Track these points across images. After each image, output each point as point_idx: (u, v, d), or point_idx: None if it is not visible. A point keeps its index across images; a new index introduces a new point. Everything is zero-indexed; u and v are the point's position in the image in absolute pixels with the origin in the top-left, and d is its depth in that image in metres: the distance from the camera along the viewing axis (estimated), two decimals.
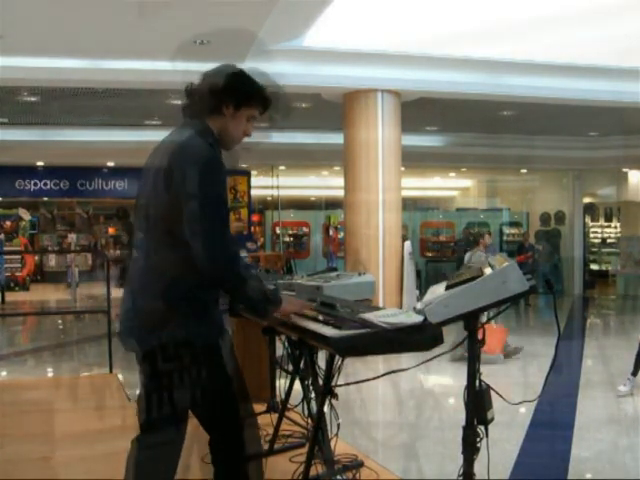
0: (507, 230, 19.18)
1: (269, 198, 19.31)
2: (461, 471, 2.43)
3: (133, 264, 2.48)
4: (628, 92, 9.80)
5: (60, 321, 12.82)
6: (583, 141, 16.13)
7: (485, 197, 21.20)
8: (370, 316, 2.40)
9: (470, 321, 2.41)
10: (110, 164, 16.76)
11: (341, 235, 15.82)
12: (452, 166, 18.29)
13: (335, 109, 10.43)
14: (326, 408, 2.97)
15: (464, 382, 2.44)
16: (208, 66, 2.58)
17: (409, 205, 17.89)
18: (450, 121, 14.04)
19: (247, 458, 2.48)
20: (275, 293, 2.53)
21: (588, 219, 19.47)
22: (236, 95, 2.47)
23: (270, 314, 2.52)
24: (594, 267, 19.53)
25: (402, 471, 4.28)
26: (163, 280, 2.36)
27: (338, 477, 3.26)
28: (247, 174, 17.96)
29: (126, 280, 2.51)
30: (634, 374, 7.03)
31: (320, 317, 2.55)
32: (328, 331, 2.34)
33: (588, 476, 4.77)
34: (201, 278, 2.32)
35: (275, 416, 4.17)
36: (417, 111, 11.27)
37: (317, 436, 3.00)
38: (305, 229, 18.79)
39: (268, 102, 2.56)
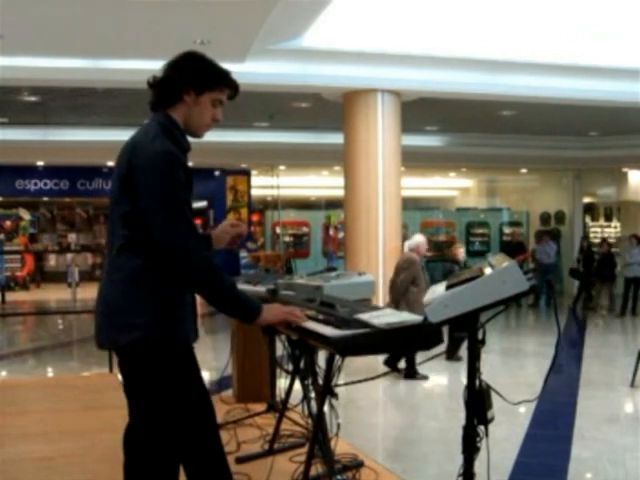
0: (507, 230, 19.18)
1: (269, 198, 19.32)
2: (461, 471, 2.43)
3: (105, 262, 2.50)
4: (628, 92, 9.81)
5: (60, 321, 12.82)
6: (583, 141, 16.13)
7: (485, 197, 21.20)
8: (370, 316, 2.40)
9: (470, 321, 2.42)
10: (110, 164, 16.74)
11: (341, 235, 15.82)
12: (452, 166, 18.29)
13: (335, 109, 10.43)
14: (326, 408, 2.97)
15: (464, 382, 2.44)
16: None
17: (409, 205, 17.88)
18: (450, 121, 14.05)
19: (211, 463, 2.43)
20: (252, 305, 2.41)
21: (588, 219, 19.45)
22: (195, 79, 2.42)
23: (246, 322, 2.45)
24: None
25: (402, 471, 4.28)
26: (126, 277, 2.35)
27: (338, 477, 3.26)
28: (247, 174, 17.96)
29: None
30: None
31: (320, 317, 2.55)
32: (328, 331, 2.34)
33: (588, 476, 4.77)
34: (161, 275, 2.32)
35: (275, 416, 4.17)
36: (417, 111, 11.27)
37: (317, 436, 3.00)
38: (305, 229, 18.78)
39: (232, 84, 2.50)
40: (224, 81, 2.47)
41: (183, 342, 2.40)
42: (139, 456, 2.44)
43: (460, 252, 9.49)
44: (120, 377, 2.50)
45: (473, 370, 2.43)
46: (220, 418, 3.49)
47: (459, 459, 2.43)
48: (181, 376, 2.38)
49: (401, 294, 7.54)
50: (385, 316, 2.40)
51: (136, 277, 2.33)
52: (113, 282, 2.38)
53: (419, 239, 7.98)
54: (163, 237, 2.27)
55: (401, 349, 2.42)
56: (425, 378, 7.45)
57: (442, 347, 2.39)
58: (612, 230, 19.80)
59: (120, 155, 2.44)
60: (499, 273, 2.34)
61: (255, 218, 19.73)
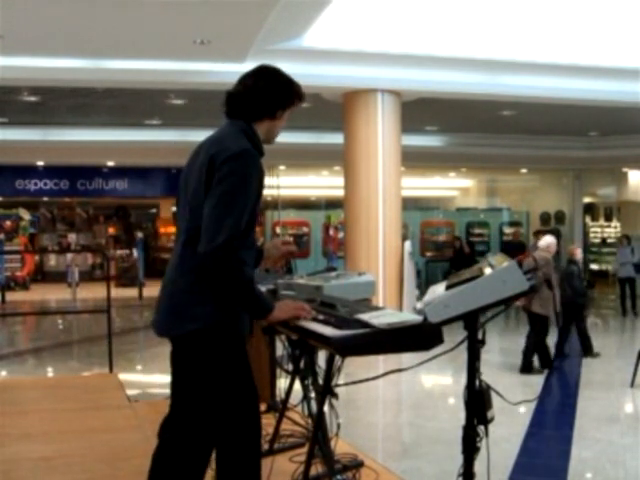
0: (507, 230, 19.18)
1: (269, 198, 19.31)
2: (461, 471, 2.43)
3: (173, 253, 2.56)
4: (628, 92, 9.82)
5: (60, 321, 12.82)
6: (583, 141, 16.15)
7: (485, 197, 21.21)
8: (370, 316, 2.40)
9: (470, 321, 2.42)
10: (110, 164, 16.76)
11: (341, 235, 15.82)
12: (452, 166, 18.29)
13: (335, 109, 10.44)
14: (326, 408, 2.97)
15: (464, 382, 2.44)
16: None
17: (409, 205, 17.88)
18: (450, 121, 14.05)
19: (247, 456, 2.49)
20: (265, 301, 2.48)
21: (588, 219, 19.44)
22: (285, 99, 2.58)
23: (259, 318, 2.51)
24: (594, 267, 19.53)
25: (402, 471, 4.28)
26: (193, 269, 2.40)
27: (338, 477, 3.26)
28: None
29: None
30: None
31: (320, 317, 2.55)
32: (328, 331, 2.34)
33: (588, 476, 4.77)
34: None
35: (275, 416, 4.16)
36: (417, 111, 11.28)
37: (317, 436, 3.00)
38: (305, 229, 18.78)
39: (303, 97, 2.67)
40: (300, 96, 2.64)
41: (241, 334, 2.48)
42: (173, 446, 2.48)
43: (577, 252, 9.52)
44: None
45: (473, 370, 2.43)
46: None
47: (459, 459, 2.43)
48: (236, 367, 2.47)
49: (536, 292, 7.69)
50: (385, 316, 2.39)
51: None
52: (180, 273, 2.44)
53: (550, 240, 8.34)
54: (209, 222, 2.30)
55: (401, 349, 2.41)
56: (540, 372, 7.74)
57: (443, 347, 2.38)
58: (612, 230, 19.82)
59: (196, 152, 2.52)
60: (499, 273, 2.34)
61: None
